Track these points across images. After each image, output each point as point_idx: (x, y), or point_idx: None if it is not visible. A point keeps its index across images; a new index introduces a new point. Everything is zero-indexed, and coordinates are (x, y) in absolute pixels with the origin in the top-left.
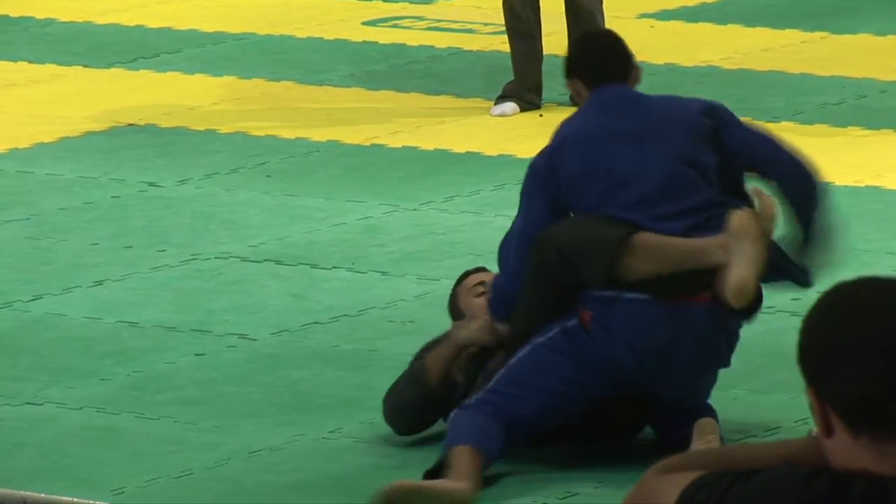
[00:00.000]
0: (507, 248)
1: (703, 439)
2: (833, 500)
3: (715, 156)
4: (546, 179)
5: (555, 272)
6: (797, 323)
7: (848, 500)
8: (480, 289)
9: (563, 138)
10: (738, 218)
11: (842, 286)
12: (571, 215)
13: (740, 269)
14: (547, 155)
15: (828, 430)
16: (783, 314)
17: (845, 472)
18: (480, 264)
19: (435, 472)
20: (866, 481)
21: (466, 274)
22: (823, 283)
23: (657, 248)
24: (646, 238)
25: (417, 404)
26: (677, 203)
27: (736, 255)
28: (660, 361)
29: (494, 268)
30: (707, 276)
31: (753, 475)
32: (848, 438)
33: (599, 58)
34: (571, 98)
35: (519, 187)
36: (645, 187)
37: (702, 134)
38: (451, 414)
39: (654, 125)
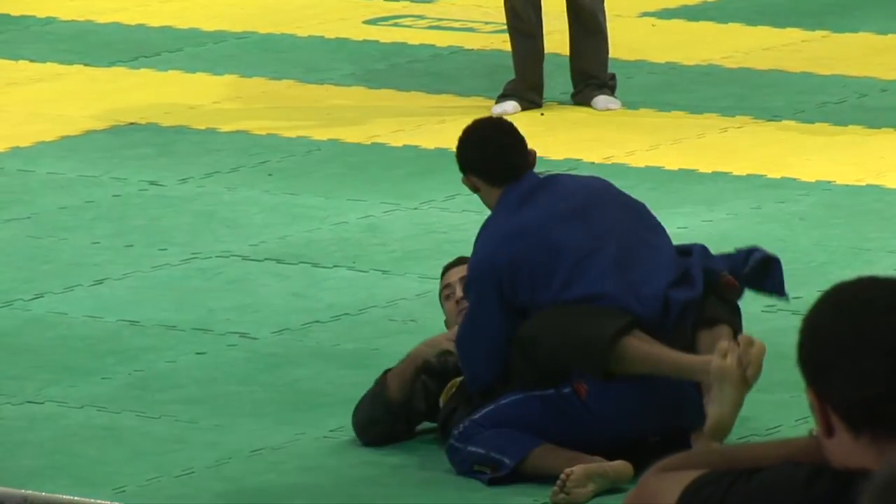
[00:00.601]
0: (468, 352)
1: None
2: (834, 499)
3: (644, 210)
4: (493, 282)
5: (545, 368)
6: (797, 322)
7: (849, 500)
8: (447, 291)
9: (498, 239)
10: (721, 362)
11: (842, 286)
12: (533, 311)
13: (720, 410)
14: (487, 258)
15: (828, 430)
16: (783, 313)
17: (846, 471)
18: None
19: (502, 479)
20: (868, 480)
21: (446, 268)
22: (825, 285)
23: (645, 358)
24: (635, 346)
25: (379, 420)
26: (644, 265)
27: (717, 395)
28: (662, 419)
29: None
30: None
31: (754, 474)
32: (849, 438)
33: (497, 157)
34: (573, 97)
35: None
36: (608, 256)
37: (623, 199)
38: (452, 443)
39: (583, 200)
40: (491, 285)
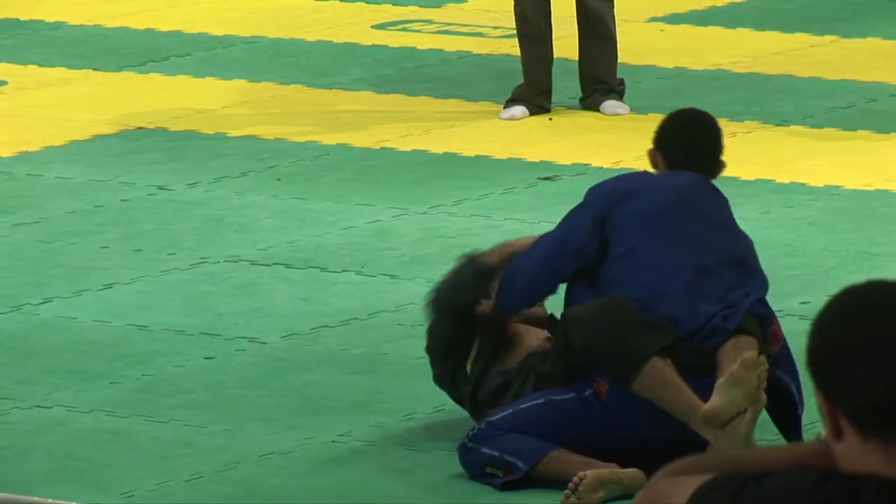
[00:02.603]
0: (531, 253)
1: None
2: (844, 502)
3: (759, 271)
4: (609, 207)
5: (578, 357)
6: (806, 326)
7: (860, 503)
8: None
9: (638, 182)
10: (742, 371)
11: (852, 289)
12: (611, 249)
13: (721, 403)
14: (619, 190)
15: (837, 433)
16: (791, 318)
17: (856, 475)
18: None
19: (514, 483)
20: (877, 485)
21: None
22: (833, 290)
23: (661, 387)
24: (657, 372)
25: (468, 283)
26: (716, 289)
27: (726, 391)
28: (679, 427)
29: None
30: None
31: (764, 478)
32: (857, 441)
33: (691, 146)
34: (581, 101)
35: (528, 191)
36: (702, 259)
37: (749, 247)
38: (465, 443)
39: (718, 216)
40: (606, 204)
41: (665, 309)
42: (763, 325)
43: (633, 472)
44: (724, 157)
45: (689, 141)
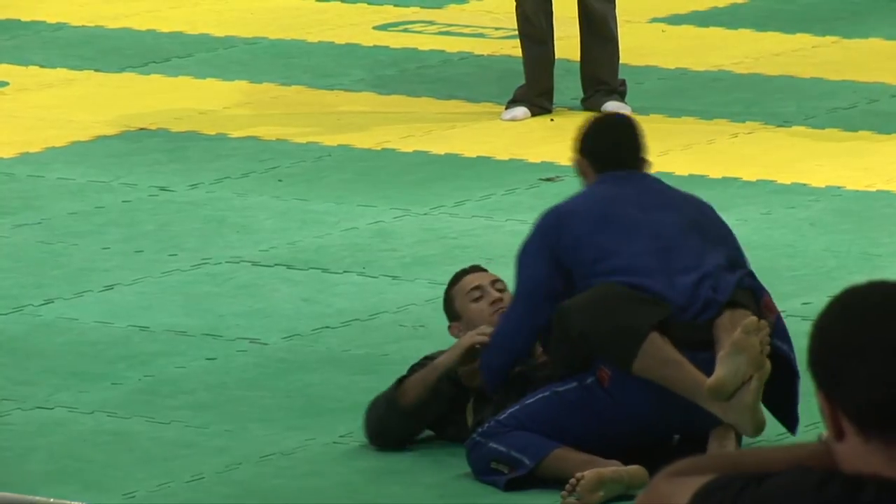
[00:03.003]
0: (507, 315)
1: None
2: (846, 503)
3: (730, 236)
4: (550, 240)
5: (576, 348)
6: (807, 327)
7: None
8: (476, 293)
9: (571, 203)
10: (744, 337)
11: (853, 290)
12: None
13: (726, 374)
14: (551, 216)
15: (839, 433)
16: (793, 318)
17: (857, 476)
18: (479, 265)
19: (517, 482)
20: (878, 485)
21: (462, 273)
22: (835, 291)
23: (662, 365)
24: (656, 351)
25: (393, 426)
26: (686, 258)
27: (729, 360)
28: (683, 410)
29: (496, 270)
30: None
31: (765, 479)
32: (859, 442)
33: (614, 148)
34: (583, 102)
35: (529, 191)
36: (654, 237)
37: (707, 212)
38: (474, 437)
39: (656, 197)
40: (547, 237)
41: (648, 291)
42: (755, 296)
43: (635, 470)
44: (647, 157)
45: (612, 142)
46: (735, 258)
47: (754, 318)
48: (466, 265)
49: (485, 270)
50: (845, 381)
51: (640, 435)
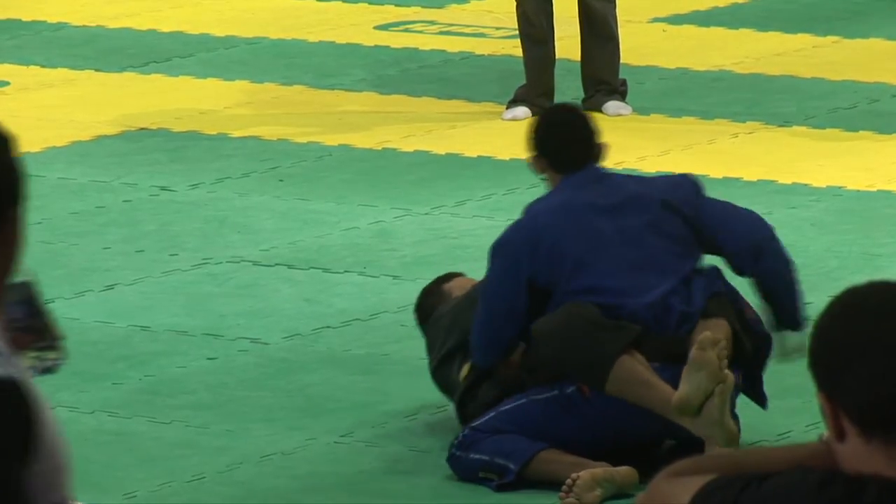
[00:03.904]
0: (481, 322)
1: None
2: (847, 503)
3: (685, 227)
4: (521, 254)
5: (550, 369)
6: (808, 327)
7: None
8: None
9: (534, 214)
10: (701, 353)
11: (853, 290)
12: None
13: (688, 391)
14: (522, 229)
15: (840, 434)
16: None
17: (859, 476)
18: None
19: (509, 485)
20: (879, 485)
21: (446, 277)
22: (836, 291)
23: (633, 386)
24: (633, 369)
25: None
26: (656, 273)
27: (690, 377)
28: (665, 421)
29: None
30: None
31: (766, 479)
32: (860, 443)
33: (568, 145)
34: (583, 102)
35: (530, 191)
36: (623, 254)
37: (671, 207)
38: (453, 452)
39: (624, 199)
40: (517, 255)
41: (622, 310)
42: (731, 298)
43: (625, 470)
44: (601, 141)
45: (563, 138)
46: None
47: (708, 333)
48: (467, 265)
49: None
50: (846, 382)
51: (625, 439)
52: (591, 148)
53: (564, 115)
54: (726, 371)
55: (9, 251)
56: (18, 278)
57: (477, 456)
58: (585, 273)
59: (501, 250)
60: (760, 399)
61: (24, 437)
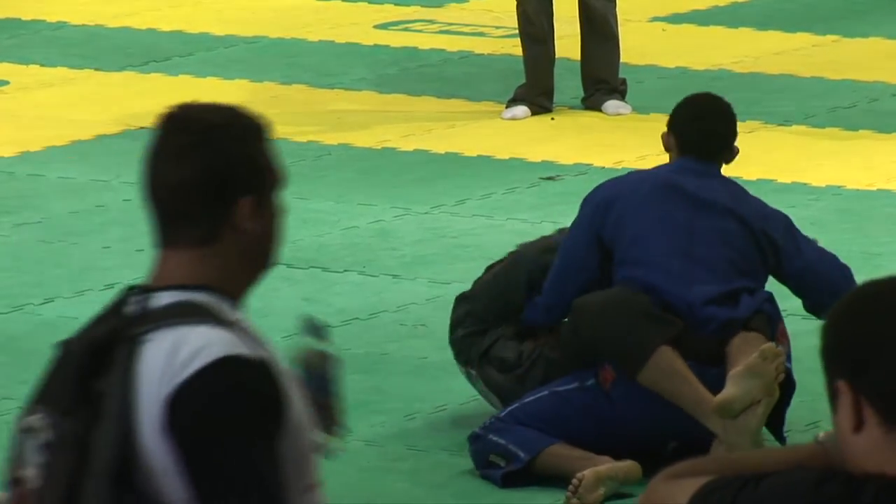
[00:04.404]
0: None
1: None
2: (844, 502)
3: (756, 251)
4: (598, 210)
5: (586, 347)
6: (809, 326)
7: (860, 503)
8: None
9: (625, 178)
10: (761, 363)
11: (874, 283)
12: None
13: (736, 393)
14: (607, 188)
15: (858, 423)
16: (794, 318)
17: (856, 475)
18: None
19: (514, 476)
20: (878, 484)
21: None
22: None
23: (668, 378)
24: (664, 363)
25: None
26: (707, 272)
27: (742, 381)
28: (680, 422)
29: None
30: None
31: (763, 479)
32: (879, 433)
33: (703, 133)
34: (583, 101)
35: (530, 190)
36: (684, 246)
37: (755, 231)
38: (476, 432)
39: (715, 203)
40: (594, 209)
41: (664, 300)
42: (771, 323)
43: (629, 465)
44: (734, 144)
45: (704, 129)
46: (759, 284)
47: (772, 344)
48: (467, 264)
49: None
50: (875, 368)
51: (636, 440)
52: (722, 146)
53: (714, 104)
54: (777, 386)
55: (252, 238)
56: (323, 348)
57: (496, 439)
58: (644, 245)
59: (585, 204)
60: (779, 435)
61: (273, 414)
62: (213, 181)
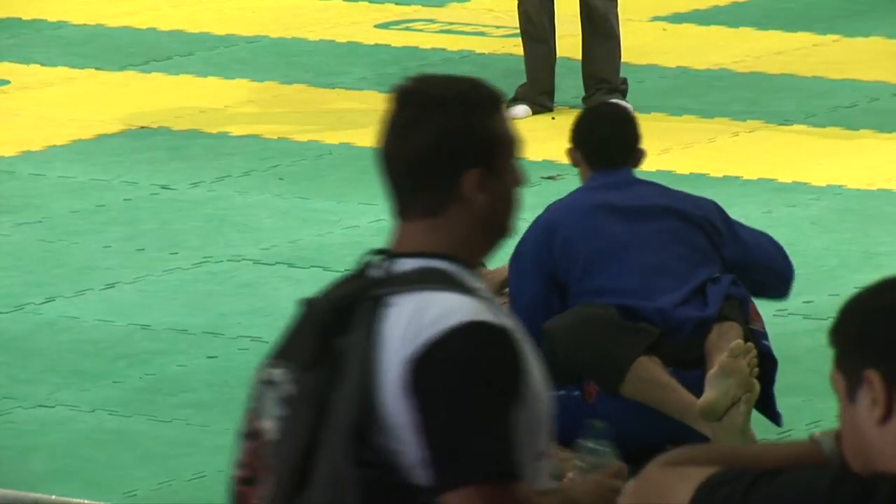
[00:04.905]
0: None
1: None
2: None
3: (704, 240)
4: (542, 253)
5: (562, 367)
6: (809, 326)
7: (876, 502)
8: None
9: (552, 211)
10: (732, 361)
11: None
12: (569, 290)
13: (716, 395)
14: (536, 227)
15: (887, 413)
16: (795, 317)
17: (870, 477)
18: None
19: None
20: (891, 485)
21: None
22: (836, 289)
23: (651, 387)
24: (650, 371)
25: None
26: (669, 279)
27: (718, 382)
28: (669, 427)
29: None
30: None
31: (777, 476)
32: None
33: (606, 142)
34: (584, 101)
35: (531, 190)
36: (638, 259)
37: (692, 220)
38: None
39: (647, 206)
40: (538, 255)
41: (632, 312)
42: (742, 307)
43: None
44: (642, 146)
45: (604, 136)
46: (717, 270)
47: (740, 341)
48: None
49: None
50: None
51: (629, 444)
52: (628, 150)
53: (610, 113)
54: (754, 380)
55: (482, 208)
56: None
57: None
58: (597, 274)
59: (516, 257)
60: (774, 416)
61: (515, 380)
62: (438, 154)
